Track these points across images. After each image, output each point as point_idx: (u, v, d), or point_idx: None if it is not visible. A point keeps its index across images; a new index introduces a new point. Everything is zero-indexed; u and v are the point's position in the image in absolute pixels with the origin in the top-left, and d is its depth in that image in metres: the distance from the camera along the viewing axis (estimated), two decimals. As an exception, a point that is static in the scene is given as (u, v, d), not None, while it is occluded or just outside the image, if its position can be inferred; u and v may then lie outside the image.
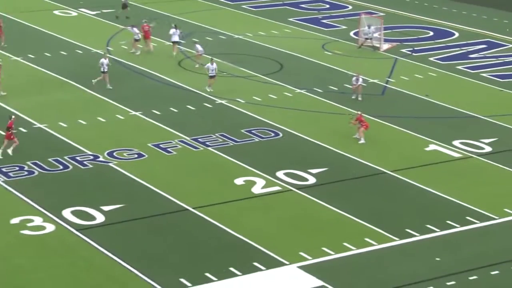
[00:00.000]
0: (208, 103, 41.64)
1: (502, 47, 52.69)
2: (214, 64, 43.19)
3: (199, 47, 47.16)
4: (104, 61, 43.23)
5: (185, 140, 37.04)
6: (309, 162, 35.02)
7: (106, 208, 30.90)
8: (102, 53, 46.01)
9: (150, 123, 39.01)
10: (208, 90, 42.77)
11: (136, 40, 49.30)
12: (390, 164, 34.96)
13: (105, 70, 43.12)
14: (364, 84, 42.83)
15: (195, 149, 36.23)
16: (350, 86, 43.41)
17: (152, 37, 51.09)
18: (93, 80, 43.15)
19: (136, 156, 35.37)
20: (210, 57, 45.64)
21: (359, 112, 37.94)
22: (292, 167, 34.49)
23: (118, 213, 30.64)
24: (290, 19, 58.23)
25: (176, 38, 49.07)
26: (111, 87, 43.06)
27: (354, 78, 42.72)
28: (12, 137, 34.64)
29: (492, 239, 29.36)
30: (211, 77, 42.99)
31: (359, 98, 42.17)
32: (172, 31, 49.28)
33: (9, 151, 34.58)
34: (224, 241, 28.98)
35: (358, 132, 37.32)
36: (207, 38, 52.67)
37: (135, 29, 49.48)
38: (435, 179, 33.70)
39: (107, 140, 36.81)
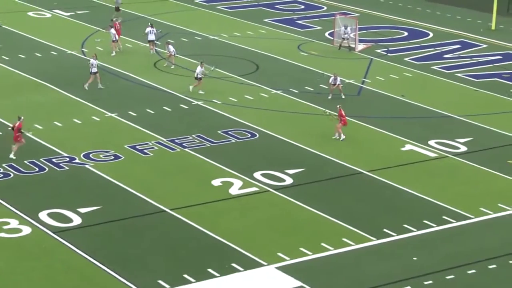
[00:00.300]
0: (185, 104, 41.57)
1: (476, 47, 53.03)
2: (203, 68, 43.02)
3: (171, 47, 47.12)
4: (94, 61, 42.99)
5: (162, 142, 36.95)
6: (286, 162, 35.06)
7: (82, 210, 30.76)
8: (77, 54, 45.88)
9: (126, 125, 38.88)
10: (200, 92, 42.60)
11: (113, 41, 49.12)
12: (366, 164, 35.08)
13: (95, 71, 42.91)
14: (341, 84, 42.93)
15: (171, 151, 36.15)
16: (326, 87, 43.48)
17: (127, 38, 50.95)
18: (84, 86, 42.81)
19: (112, 157, 35.24)
20: (192, 59, 45.53)
21: (338, 106, 38.07)
22: (269, 167, 34.52)
23: (95, 215, 30.51)
24: (265, 20, 58.28)
25: (152, 37, 49.10)
26: (102, 87, 42.89)
27: (332, 78, 42.83)
28: (19, 138, 34.50)
29: (469, 238, 29.53)
30: (199, 79, 42.75)
31: (343, 96, 42.29)
32: (148, 29, 49.28)
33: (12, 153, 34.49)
34: (202, 242, 28.94)
35: (336, 129, 37.35)
36: (183, 39, 52.59)
37: (112, 30, 49.31)
38: (411, 179, 33.85)
39: (83, 142, 36.64)
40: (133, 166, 34.53)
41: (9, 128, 35.40)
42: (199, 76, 42.90)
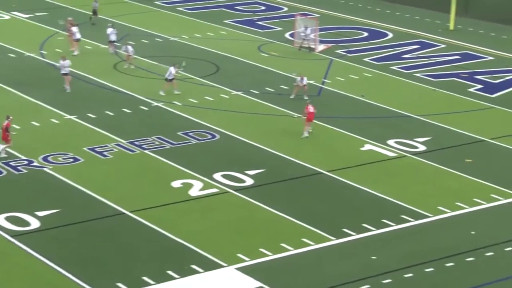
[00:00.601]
0: (144, 106, 41.41)
1: (435, 47, 53.45)
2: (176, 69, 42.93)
3: (130, 48, 46.95)
4: (65, 62, 42.69)
5: (121, 144, 36.78)
6: (246, 163, 35.06)
7: (41, 213, 30.50)
8: (35, 56, 45.56)
9: (85, 127, 38.65)
10: (176, 93, 42.57)
11: (75, 40, 48.95)
12: (326, 164, 35.19)
13: (66, 72, 42.74)
14: (306, 85, 42.99)
15: (131, 152, 36.00)
16: (287, 87, 43.55)
17: (87, 39, 50.67)
18: (66, 87, 42.74)
19: (71, 160, 35.00)
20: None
21: (308, 100, 38.68)
22: (229, 169, 34.50)
23: (54, 218, 30.27)
24: (226, 21, 58.26)
25: (113, 38, 48.96)
26: (69, 90, 42.85)
27: (299, 78, 42.87)
28: (8, 138, 34.55)
29: (427, 237, 29.74)
30: (171, 80, 42.67)
31: (305, 97, 42.33)
32: (109, 30, 49.14)
33: (2, 152, 34.56)
34: (161, 244, 28.84)
35: (304, 126, 37.60)
36: (143, 40, 52.39)
37: (74, 28, 49.19)
38: (370, 179, 34.02)
39: (42, 145, 36.36)
40: (93, 169, 34.33)
41: None
42: (170, 77, 42.76)
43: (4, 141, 34.81)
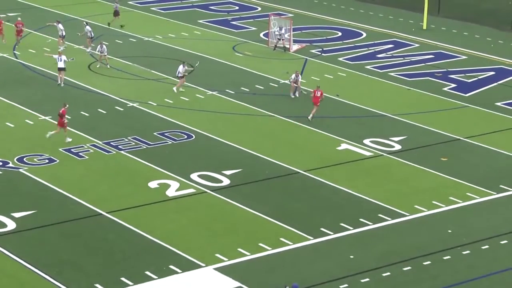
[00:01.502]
0: (120, 106, 41.23)
1: (408, 47, 53.67)
2: (185, 67, 43.21)
3: (104, 47, 46.70)
4: (61, 56, 43.46)
5: (97, 144, 36.59)
6: (223, 163, 35.01)
7: (17, 214, 30.26)
8: (8, 56, 45.48)
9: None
10: (180, 90, 42.90)
11: (61, 37, 49.27)
12: (303, 164, 35.22)
13: (62, 66, 43.31)
14: (287, 82, 43.14)
15: (107, 153, 35.82)
16: (262, 87, 43.55)
17: (56, 39, 50.41)
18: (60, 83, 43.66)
19: (47, 161, 34.77)
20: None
21: (318, 86, 40.23)
22: (206, 169, 34.43)
23: (30, 219, 30.05)
24: (200, 21, 58.14)
25: (90, 35, 48.95)
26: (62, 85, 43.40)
27: (293, 75, 43.06)
28: (64, 124, 35.97)
29: (404, 236, 29.84)
30: (181, 77, 42.96)
31: (297, 95, 42.87)
32: (87, 28, 49.21)
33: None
34: (139, 245, 28.71)
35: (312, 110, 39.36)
36: (117, 41, 52.14)
37: (60, 25, 49.11)
38: (347, 178, 34.09)
39: (17, 146, 36.08)
40: (68, 169, 34.12)
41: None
42: (180, 74, 42.93)
43: (61, 127, 36.18)
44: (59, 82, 43.78)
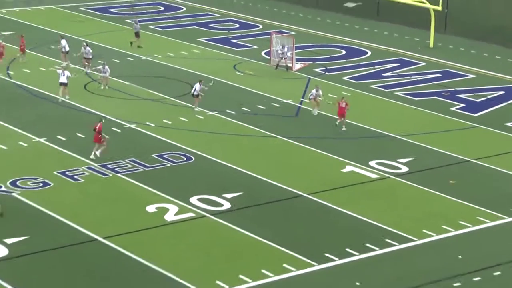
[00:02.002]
0: (117, 128, 41.03)
1: (415, 65, 53.56)
2: (202, 85, 43.50)
3: (107, 68, 46.59)
4: (66, 72, 44.42)
5: (93, 167, 36.35)
6: (223, 186, 34.76)
7: (9, 240, 29.97)
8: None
9: (55, 150, 38.20)
10: (196, 109, 43.30)
11: (64, 53, 49.95)
12: (306, 187, 34.96)
13: (65, 81, 44.22)
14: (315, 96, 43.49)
15: (103, 176, 35.57)
16: (264, 107, 43.42)
17: (55, 59, 50.30)
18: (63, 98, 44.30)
19: (41, 184, 34.53)
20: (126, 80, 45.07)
21: (343, 98, 41.68)
22: (206, 192, 34.18)
23: (23, 245, 29.74)
24: (199, 39, 58.09)
25: (89, 56, 49.16)
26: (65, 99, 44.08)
27: (313, 91, 43.46)
28: (101, 140, 36.65)
29: (412, 261, 29.52)
30: (196, 95, 43.29)
31: (315, 113, 43.40)
32: (83, 50, 49.17)
33: (97, 153, 36.69)
34: (136, 271, 28.40)
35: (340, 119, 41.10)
36: (114, 60, 52.03)
37: (63, 41, 49.91)
38: (352, 201, 33.82)
39: (10, 169, 35.86)
40: (63, 193, 33.88)
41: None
42: (195, 93, 43.16)
43: (97, 143, 36.69)
44: (60, 97, 44.18)
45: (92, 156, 36.76)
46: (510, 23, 60.64)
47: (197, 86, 43.58)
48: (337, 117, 41.48)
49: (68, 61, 49.81)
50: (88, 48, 49.38)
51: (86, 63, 49.17)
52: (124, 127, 41.23)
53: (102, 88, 46.44)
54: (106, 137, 37.13)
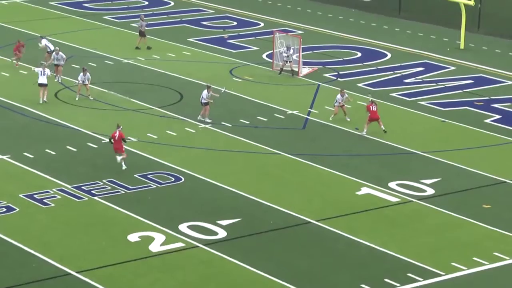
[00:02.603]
0: (93, 143, 41.37)
1: (443, 70, 53.91)
2: (210, 92, 44.18)
3: (88, 75, 46.77)
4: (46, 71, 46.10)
5: (66, 189, 36.66)
6: (218, 211, 35.04)
7: (-32, 275, 30.29)
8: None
9: (21, 169, 38.50)
10: (205, 120, 44.07)
11: (49, 53, 50.72)
12: (315, 212, 35.24)
13: (45, 82, 45.87)
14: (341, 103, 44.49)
15: (78, 199, 35.88)
16: (264, 119, 43.77)
17: (22, 63, 50.73)
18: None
19: (4, 210, 34.82)
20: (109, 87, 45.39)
21: (370, 99, 43.31)
22: (197, 218, 34.45)
23: (-17, 281, 30.05)
24: (190, 40, 58.47)
25: (61, 62, 49.54)
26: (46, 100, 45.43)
27: (338, 96, 44.53)
28: (122, 149, 38.65)
29: (439, 299, 29.84)
30: (205, 104, 44.02)
31: (348, 119, 44.62)
32: (59, 54, 49.58)
33: (122, 163, 38.66)
34: (116, 311, 28.71)
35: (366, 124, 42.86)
36: (90, 63, 52.41)
37: (44, 40, 51.07)
38: (369, 229, 34.08)
39: (-32, 191, 36.18)
40: (30, 220, 34.14)
41: (108, 141, 39.39)
42: (204, 101, 43.70)
43: (120, 152, 38.42)
44: (42, 99, 45.64)
45: (124, 166, 38.41)
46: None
47: (204, 93, 44.03)
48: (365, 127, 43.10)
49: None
50: (61, 53, 49.52)
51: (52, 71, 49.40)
52: (102, 142, 41.54)
53: (91, 98, 46.62)
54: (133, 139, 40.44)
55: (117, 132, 38.54)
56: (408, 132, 44.09)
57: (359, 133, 42.81)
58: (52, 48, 50.79)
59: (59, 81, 48.74)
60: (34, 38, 56.02)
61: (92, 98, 46.78)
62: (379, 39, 59.97)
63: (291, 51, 51.85)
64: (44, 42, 51.68)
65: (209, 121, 43.90)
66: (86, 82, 46.68)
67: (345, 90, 45.32)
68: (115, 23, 62.56)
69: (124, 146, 38.72)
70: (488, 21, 62.45)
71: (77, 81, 46.84)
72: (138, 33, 56.37)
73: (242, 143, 42.03)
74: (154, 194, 36.51)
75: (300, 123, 44.82)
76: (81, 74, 46.85)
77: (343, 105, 44.66)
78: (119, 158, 38.48)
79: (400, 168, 39.75)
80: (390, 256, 32.25)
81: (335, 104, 44.72)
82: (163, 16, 65.00)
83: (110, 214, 34.84)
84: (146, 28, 56.31)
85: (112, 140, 38.63)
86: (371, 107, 42.87)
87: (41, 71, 45.65)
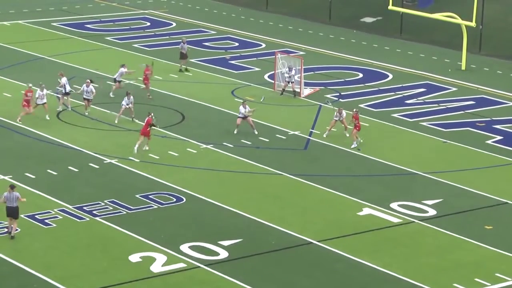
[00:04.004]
0: (95, 163, 41.38)
1: (444, 91, 53.96)
2: (247, 107, 45.64)
3: (132, 98, 46.60)
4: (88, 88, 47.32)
5: (67, 209, 36.64)
6: (220, 232, 35.00)
7: (-32, 295, 30.26)
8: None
9: (22, 189, 38.39)
10: (254, 132, 45.54)
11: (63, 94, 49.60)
12: (316, 233, 35.20)
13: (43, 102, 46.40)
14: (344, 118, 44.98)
15: (79, 220, 35.85)
16: (266, 140, 43.75)
17: (21, 83, 50.77)
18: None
19: (6, 230, 34.76)
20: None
21: (355, 110, 44.18)
22: (199, 239, 34.41)
23: (-15, 301, 30.02)
24: (192, 60, 58.53)
25: (68, 88, 48.67)
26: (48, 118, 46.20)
27: (336, 114, 45.07)
28: (149, 134, 42.45)
29: (441, 320, 29.76)
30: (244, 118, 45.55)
31: (347, 134, 45.09)
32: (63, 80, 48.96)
33: (146, 147, 42.44)
34: (117, 332, 28.65)
35: (352, 136, 43.39)
36: (93, 85, 52.38)
37: (64, 79, 48.50)
38: (371, 250, 34.03)
39: (-30, 211, 36.14)
40: (31, 240, 34.10)
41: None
42: (241, 115, 45.46)
43: (145, 136, 42.27)
44: (67, 106, 47.91)
45: (135, 151, 41.59)
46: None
47: (241, 109, 45.42)
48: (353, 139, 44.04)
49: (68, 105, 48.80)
50: (92, 86, 47.87)
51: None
52: (104, 163, 41.55)
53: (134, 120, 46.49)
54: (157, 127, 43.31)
55: (147, 118, 42.38)
56: (410, 153, 44.09)
57: (353, 146, 43.62)
58: (68, 89, 48.51)
59: (87, 114, 47.81)
60: (36, 59, 56.05)
61: (87, 113, 46.83)
62: (381, 60, 60.06)
63: (293, 72, 51.91)
64: (63, 81, 49.21)
65: (256, 132, 45.28)
66: (130, 105, 46.40)
67: (342, 109, 45.57)
68: (117, 44, 62.67)
69: (150, 133, 42.37)
70: (490, 42, 62.58)
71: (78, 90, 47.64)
72: (179, 56, 56.23)
73: (244, 164, 42.03)
74: (156, 215, 36.49)
75: (302, 144, 44.83)
76: (125, 98, 46.53)
77: (343, 119, 44.92)
78: (140, 146, 41.96)
79: (402, 189, 39.73)
80: (392, 277, 32.20)
81: (335, 118, 45.17)
82: (164, 37, 65.10)
83: (111, 234, 34.82)
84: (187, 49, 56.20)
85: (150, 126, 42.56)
86: (359, 116, 44.12)
87: (40, 94, 46.04)
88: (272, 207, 37.55)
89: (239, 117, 45.50)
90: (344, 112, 45.18)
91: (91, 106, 47.78)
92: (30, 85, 47.08)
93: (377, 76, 56.65)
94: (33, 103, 46.25)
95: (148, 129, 42.37)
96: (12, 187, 34.26)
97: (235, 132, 45.18)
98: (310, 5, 73.39)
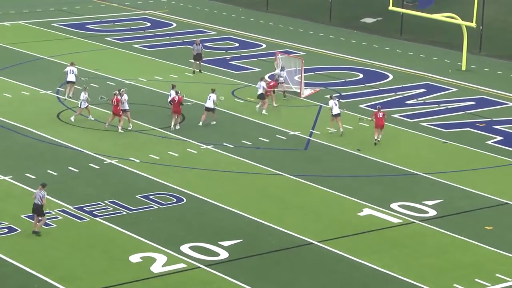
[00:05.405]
0: (95, 164, 41.39)
1: (444, 91, 53.96)
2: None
3: (125, 96, 46.61)
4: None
5: (67, 210, 36.65)
6: (220, 232, 35.01)
7: (-31, 296, 30.27)
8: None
9: (22, 190, 38.51)
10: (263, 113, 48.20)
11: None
12: (317, 233, 35.20)
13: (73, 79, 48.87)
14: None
15: (79, 220, 35.87)
16: (267, 140, 43.78)
17: (23, 84, 50.74)
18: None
19: (6, 230, 34.80)
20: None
21: (378, 107, 45.24)
22: (199, 239, 34.42)
23: (-15, 302, 30.03)
24: (192, 61, 58.49)
25: (72, 78, 49.16)
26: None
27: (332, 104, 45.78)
28: (179, 112, 45.88)
29: (441, 321, 29.77)
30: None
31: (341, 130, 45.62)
32: (67, 69, 49.51)
33: (178, 126, 45.44)
34: (117, 332, 28.65)
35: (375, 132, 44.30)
36: (93, 84, 52.46)
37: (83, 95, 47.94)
38: (371, 250, 34.04)
39: (-30, 212, 36.18)
40: (32, 241, 34.11)
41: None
42: (261, 91, 48.35)
43: (177, 114, 45.72)
44: (69, 94, 49.28)
45: (172, 127, 45.11)
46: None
47: (262, 83, 48.63)
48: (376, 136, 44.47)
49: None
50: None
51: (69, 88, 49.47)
52: (104, 163, 41.56)
53: (92, 119, 46.38)
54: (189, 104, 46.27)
55: (177, 97, 45.39)
56: (410, 154, 44.09)
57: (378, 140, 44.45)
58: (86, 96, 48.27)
59: (130, 127, 46.66)
60: (36, 59, 56.12)
61: (93, 119, 46.78)
62: (381, 61, 60.06)
63: (284, 73, 51.92)
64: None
65: (267, 114, 48.01)
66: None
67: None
68: (118, 44, 62.67)
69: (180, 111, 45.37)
70: (490, 43, 62.58)
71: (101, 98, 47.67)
72: (193, 58, 56.07)
73: (244, 164, 42.03)
74: (156, 215, 36.49)
75: (302, 144, 44.84)
76: (82, 93, 46.73)
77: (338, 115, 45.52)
78: (174, 124, 45.20)
79: (402, 189, 39.73)
80: (392, 278, 32.21)
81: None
82: (165, 38, 65.12)
83: (112, 235, 34.82)
84: (197, 52, 55.76)
85: (172, 103, 45.83)
86: (377, 114, 44.22)
87: (70, 70, 49.11)
88: (272, 207, 37.55)
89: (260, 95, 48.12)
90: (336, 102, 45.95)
91: (91, 106, 47.73)
92: (122, 90, 46.23)
93: (377, 77, 56.65)
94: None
95: (180, 107, 45.68)
96: (43, 185, 34.55)
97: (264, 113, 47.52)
98: (311, 6, 73.41)
